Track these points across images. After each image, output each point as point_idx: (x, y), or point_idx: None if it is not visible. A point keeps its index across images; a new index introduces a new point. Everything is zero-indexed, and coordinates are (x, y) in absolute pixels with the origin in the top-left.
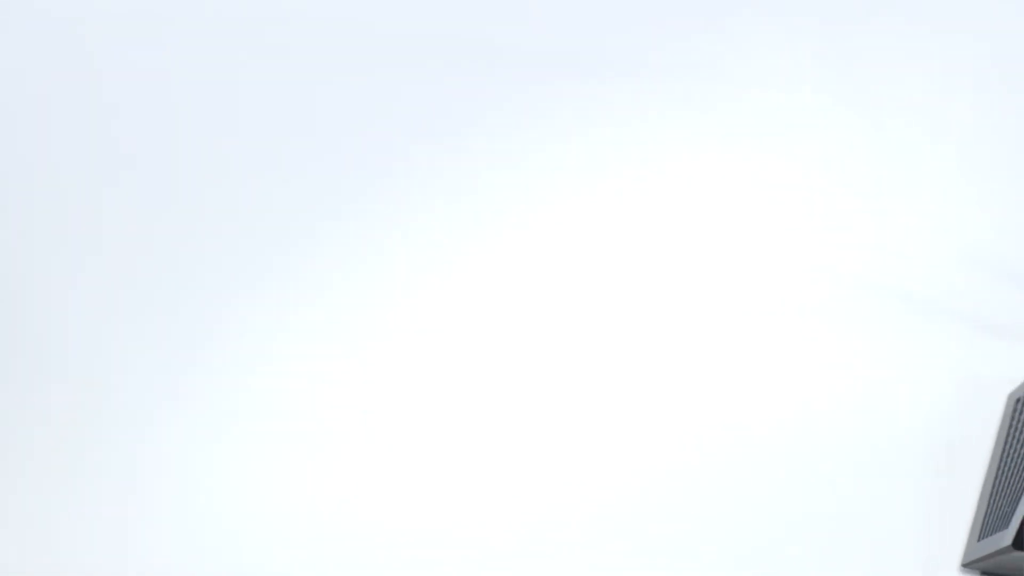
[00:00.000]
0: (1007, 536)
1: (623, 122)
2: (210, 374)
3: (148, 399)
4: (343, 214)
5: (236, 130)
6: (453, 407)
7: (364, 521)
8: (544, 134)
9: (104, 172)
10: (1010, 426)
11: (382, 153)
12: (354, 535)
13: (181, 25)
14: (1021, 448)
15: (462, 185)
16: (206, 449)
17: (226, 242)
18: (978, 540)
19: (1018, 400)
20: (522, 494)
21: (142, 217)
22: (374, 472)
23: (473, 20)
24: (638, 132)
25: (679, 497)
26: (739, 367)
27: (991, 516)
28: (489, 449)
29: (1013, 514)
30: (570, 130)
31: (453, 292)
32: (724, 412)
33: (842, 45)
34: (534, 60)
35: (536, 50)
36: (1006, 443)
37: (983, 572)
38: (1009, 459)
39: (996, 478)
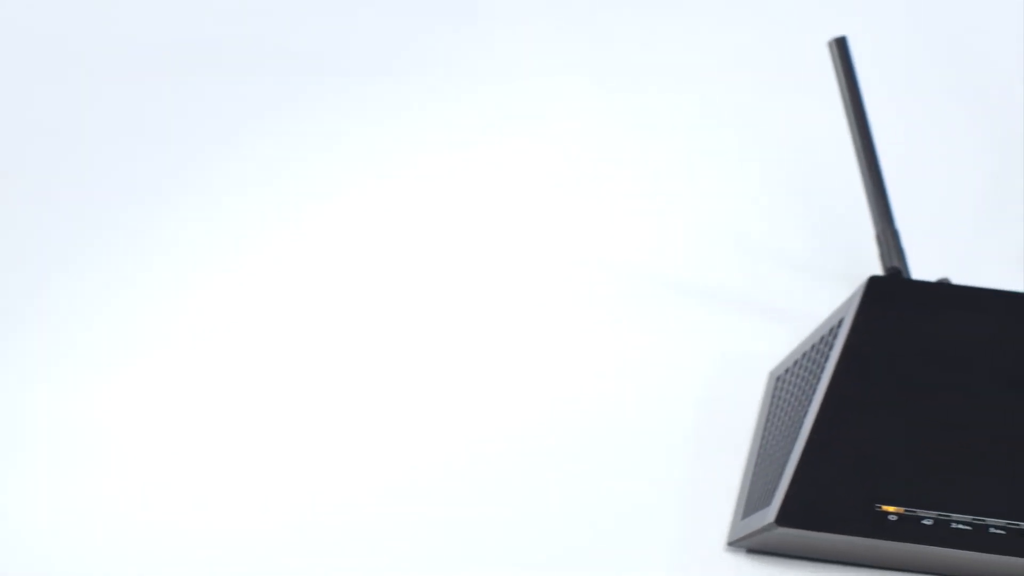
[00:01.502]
0: (770, 513)
1: (379, 120)
2: None
3: None
4: (101, 224)
5: None
6: (218, 413)
7: (140, 531)
8: (302, 136)
9: None
10: (771, 404)
11: (134, 161)
12: (130, 547)
13: None
14: (781, 425)
15: (227, 190)
16: None
17: None
18: (742, 518)
19: (778, 378)
20: (295, 499)
21: None
22: (154, 483)
23: (215, 23)
24: (396, 129)
25: (439, 491)
26: (505, 359)
27: (754, 494)
28: (266, 454)
29: (775, 491)
30: (328, 131)
31: (218, 301)
32: (491, 403)
33: (602, 28)
34: (286, 64)
35: (286, 52)
36: (767, 421)
37: (749, 550)
38: (770, 436)
39: (759, 456)
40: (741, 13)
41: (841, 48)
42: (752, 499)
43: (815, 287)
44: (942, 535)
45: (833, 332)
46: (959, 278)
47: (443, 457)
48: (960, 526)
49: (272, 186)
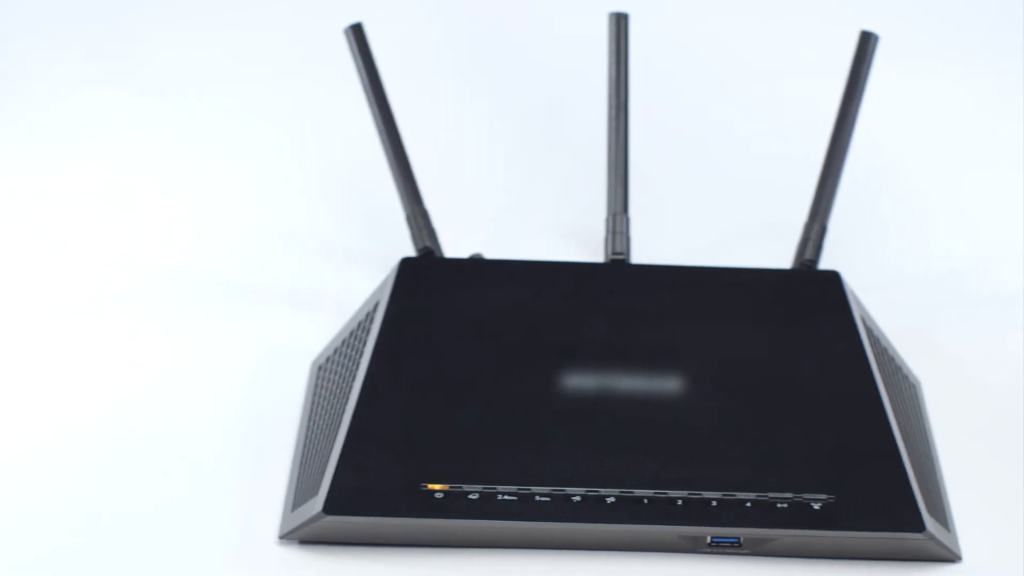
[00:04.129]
0: (318, 503)
1: None
2: None
3: None
4: None
5: None
6: None
7: None
8: None
9: None
10: (314, 394)
11: None
12: None
13: None
14: (324, 414)
15: None
16: None
17: None
18: (292, 510)
19: (320, 368)
20: None
21: None
22: None
23: None
24: None
25: None
26: (50, 366)
27: (303, 485)
28: None
29: (322, 480)
30: None
31: None
32: (38, 410)
33: (131, 35)
34: None
35: None
36: (312, 411)
37: (301, 541)
38: (315, 427)
39: (305, 447)
40: (263, 10)
41: (358, 34)
42: (301, 490)
43: (360, 275)
44: (488, 508)
45: (369, 316)
46: (492, 252)
47: None
48: (506, 497)
49: None
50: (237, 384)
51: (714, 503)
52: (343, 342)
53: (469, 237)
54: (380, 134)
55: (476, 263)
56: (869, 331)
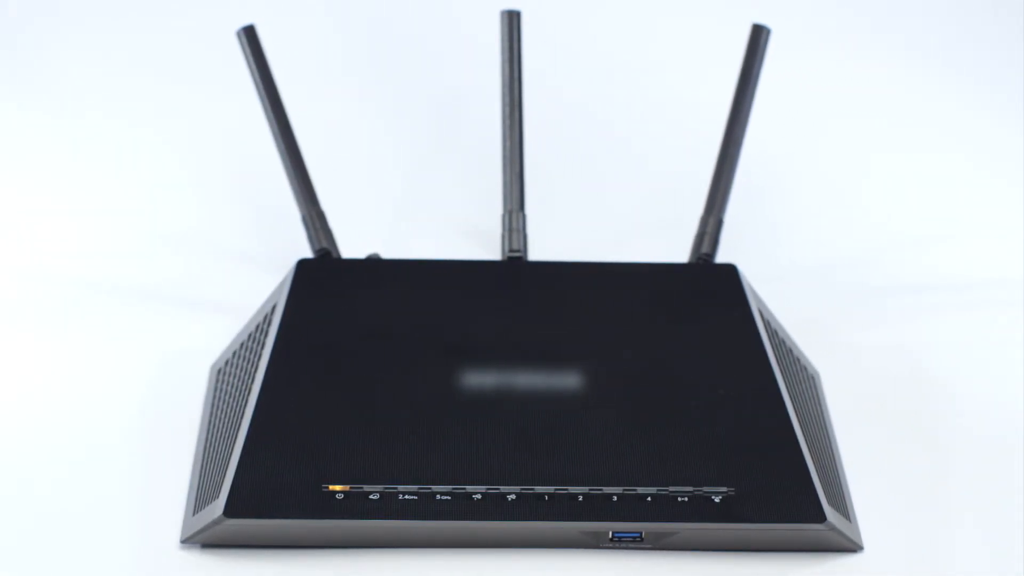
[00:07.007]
0: (219, 506)
1: None
2: None
3: None
4: None
5: None
6: None
7: None
8: None
9: None
10: (214, 397)
11: None
12: None
13: None
14: (224, 418)
15: None
16: None
17: None
18: (193, 514)
19: (219, 371)
20: None
21: None
22: None
23: None
24: None
25: None
26: None
27: (203, 488)
28: None
29: (222, 483)
30: None
31: None
32: None
33: (25, 52)
34: None
35: None
36: (211, 414)
37: (203, 545)
38: (215, 430)
39: (205, 451)
40: (151, 15)
41: (250, 36)
42: (201, 494)
43: (257, 277)
44: (390, 508)
45: (267, 318)
46: (389, 252)
47: None
48: (407, 497)
49: None
50: (136, 388)
51: (615, 498)
52: (241, 344)
53: (366, 238)
54: (275, 136)
55: (373, 263)
56: (767, 323)
